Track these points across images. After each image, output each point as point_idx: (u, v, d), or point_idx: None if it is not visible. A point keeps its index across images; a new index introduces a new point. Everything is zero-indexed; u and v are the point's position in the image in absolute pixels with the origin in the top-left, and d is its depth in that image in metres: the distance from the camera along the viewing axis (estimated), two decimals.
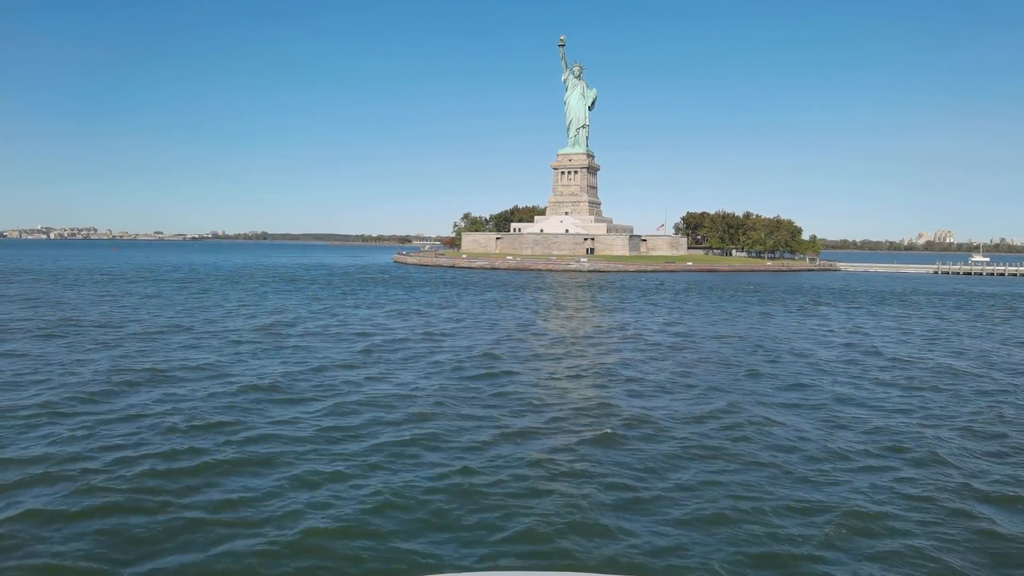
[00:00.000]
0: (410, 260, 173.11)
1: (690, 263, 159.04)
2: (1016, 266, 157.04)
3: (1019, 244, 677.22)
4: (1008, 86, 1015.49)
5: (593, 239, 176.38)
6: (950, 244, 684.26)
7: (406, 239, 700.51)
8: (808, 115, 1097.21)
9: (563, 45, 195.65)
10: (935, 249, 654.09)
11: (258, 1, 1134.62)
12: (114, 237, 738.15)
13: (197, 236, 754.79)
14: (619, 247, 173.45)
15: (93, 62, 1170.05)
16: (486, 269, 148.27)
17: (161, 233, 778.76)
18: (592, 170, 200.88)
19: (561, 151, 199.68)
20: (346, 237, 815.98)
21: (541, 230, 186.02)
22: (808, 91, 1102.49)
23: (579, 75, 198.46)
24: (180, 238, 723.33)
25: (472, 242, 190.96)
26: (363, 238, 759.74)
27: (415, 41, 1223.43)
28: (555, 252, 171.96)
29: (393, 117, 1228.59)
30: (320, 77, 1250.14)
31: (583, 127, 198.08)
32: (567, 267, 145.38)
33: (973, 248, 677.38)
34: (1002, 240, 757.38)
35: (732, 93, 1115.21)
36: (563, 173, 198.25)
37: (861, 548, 13.86)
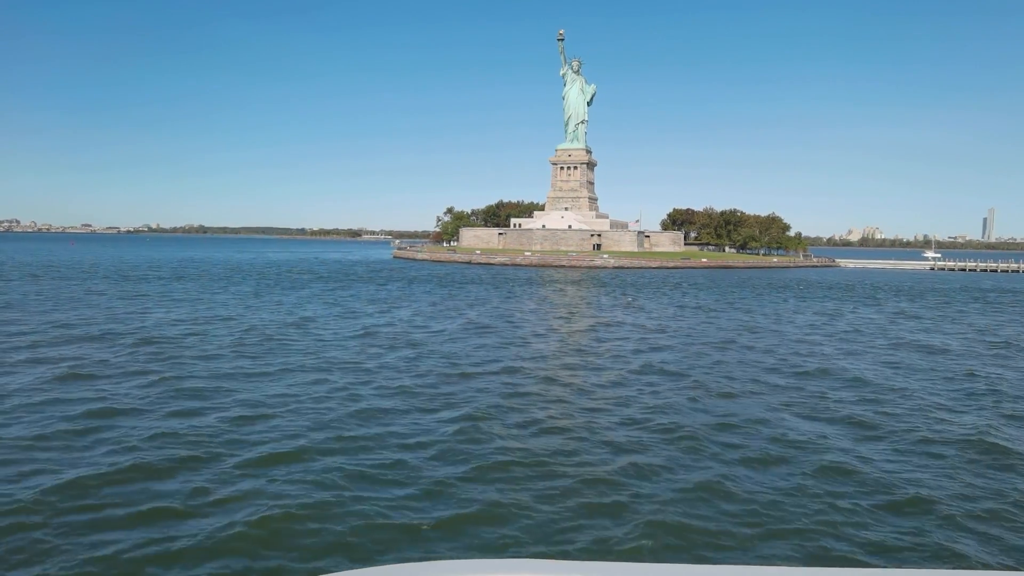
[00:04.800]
0: (420, 256, 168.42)
1: (704, 259, 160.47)
2: (1007, 263, 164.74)
3: (945, 240, 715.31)
4: (928, 81, 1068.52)
5: (599, 235, 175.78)
6: (883, 240, 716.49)
7: (356, 233, 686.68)
8: (756, 113, 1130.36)
9: (562, 39, 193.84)
10: (870, 245, 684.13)
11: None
12: (39, 230, 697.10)
13: (132, 230, 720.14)
14: (627, 243, 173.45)
15: (12, 53, 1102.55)
16: (507, 265, 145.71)
17: (90, 226, 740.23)
18: (591, 166, 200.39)
19: (560, 146, 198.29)
20: (287, 230, 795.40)
21: (543, 225, 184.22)
22: (762, 86, 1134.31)
23: (578, 70, 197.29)
24: (114, 231, 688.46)
25: (473, 238, 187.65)
26: (310, 232, 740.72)
27: (379, 36, 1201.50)
28: (562, 248, 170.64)
29: (345, 113, 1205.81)
30: (276, 72, 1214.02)
31: (582, 122, 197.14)
32: (591, 264, 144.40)
33: (903, 244, 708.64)
34: (925, 236, 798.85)
35: (696, 89, 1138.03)
36: (562, 168, 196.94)
37: None
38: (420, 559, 11.97)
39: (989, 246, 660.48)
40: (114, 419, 21.61)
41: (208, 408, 23.20)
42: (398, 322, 48.04)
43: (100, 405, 23.13)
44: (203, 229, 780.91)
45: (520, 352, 36.28)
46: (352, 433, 20.54)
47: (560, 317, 53.83)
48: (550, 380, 29.14)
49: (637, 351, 37.30)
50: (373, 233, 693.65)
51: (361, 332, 42.58)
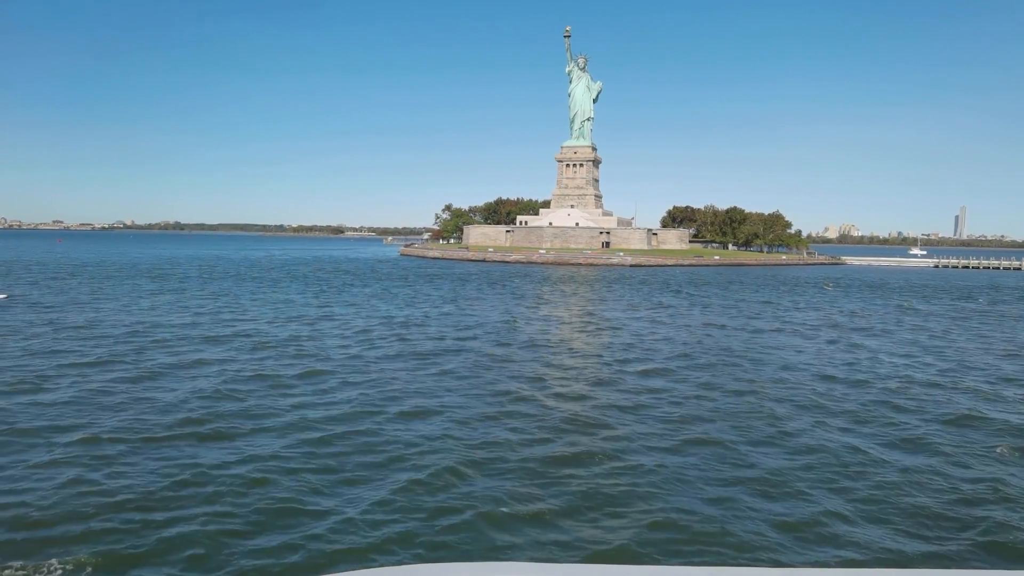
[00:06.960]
0: (431, 254, 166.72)
1: (716, 257, 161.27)
2: (1008, 260, 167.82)
3: (920, 237, 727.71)
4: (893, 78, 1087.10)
5: (608, 232, 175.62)
6: (861, 238, 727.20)
7: (338, 230, 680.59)
8: (735, 112, 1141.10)
9: (569, 36, 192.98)
10: (848, 242, 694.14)
11: None
12: (10, 226, 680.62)
13: (106, 226, 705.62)
14: (635, 241, 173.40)
15: None
16: (522, 263, 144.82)
17: (62, 222, 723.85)
18: (596, 163, 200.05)
19: (566, 143, 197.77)
20: (266, 227, 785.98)
21: (551, 223, 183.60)
22: (743, 83, 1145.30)
23: (584, 67, 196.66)
24: (88, 228, 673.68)
25: (481, 235, 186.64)
26: (290, 228, 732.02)
27: (367, 34, 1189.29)
28: (572, 245, 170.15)
29: (329, 111, 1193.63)
30: (260, 70, 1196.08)
31: (588, 120, 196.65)
32: (608, 261, 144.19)
33: (880, 241, 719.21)
34: (900, 234, 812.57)
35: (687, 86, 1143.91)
36: (568, 166, 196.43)
37: None
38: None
39: (962, 243, 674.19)
40: (302, 411, 20.68)
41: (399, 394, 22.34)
42: (505, 320, 47.13)
43: (289, 401, 22.13)
44: (179, 226, 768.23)
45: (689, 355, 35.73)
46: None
47: (674, 313, 53.27)
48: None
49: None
50: (355, 230, 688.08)
51: (496, 327, 41.77)
